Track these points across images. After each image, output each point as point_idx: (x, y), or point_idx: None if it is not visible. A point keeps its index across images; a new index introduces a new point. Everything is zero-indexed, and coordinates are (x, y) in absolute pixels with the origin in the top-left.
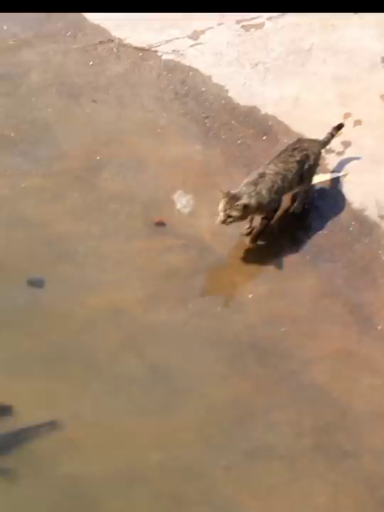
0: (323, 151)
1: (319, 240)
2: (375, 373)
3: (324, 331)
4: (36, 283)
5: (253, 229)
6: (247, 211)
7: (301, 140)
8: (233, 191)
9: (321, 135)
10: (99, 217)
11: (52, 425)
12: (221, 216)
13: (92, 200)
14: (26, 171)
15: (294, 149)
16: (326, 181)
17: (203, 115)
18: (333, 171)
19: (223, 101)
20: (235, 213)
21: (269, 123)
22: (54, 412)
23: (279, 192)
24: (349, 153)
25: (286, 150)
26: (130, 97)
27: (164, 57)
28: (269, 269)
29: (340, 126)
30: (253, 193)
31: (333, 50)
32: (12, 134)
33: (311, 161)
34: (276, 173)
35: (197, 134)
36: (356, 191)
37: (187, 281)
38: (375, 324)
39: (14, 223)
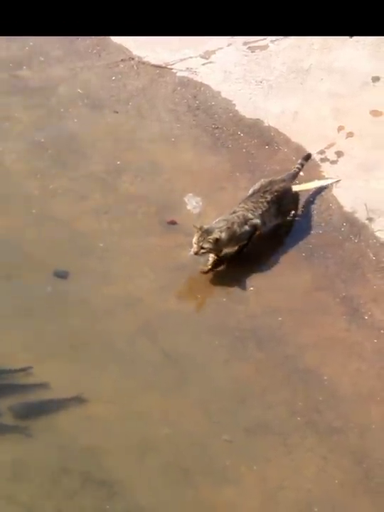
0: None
1: (313, 239)
2: (361, 359)
3: (317, 320)
4: (61, 274)
5: (213, 266)
6: (218, 244)
7: (272, 182)
8: (206, 226)
9: (317, 146)
10: (118, 216)
11: (74, 400)
12: (194, 247)
13: (112, 200)
14: (54, 174)
15: (265, 192)
16: (320, 187)
17: (213, 126)
18: (326, 178)
19: (231, 114)
20: (207, 245)
21: (271, 134)
22: (75, 390)
23: (251, 225)
24: (342, 162)
25: (259, 191)
26: (148, 109)
27: (179, 74)
28: (269, 265)
29: (308, 157)
30: (224, 228)
31: (329, 70)
32: (42, 141)
33: (284, 200)
34: (247, 210)
35: (207, 143)
36: (347, 196)
37: (196, 275)
38: (363, 314)
39: (43, 220)
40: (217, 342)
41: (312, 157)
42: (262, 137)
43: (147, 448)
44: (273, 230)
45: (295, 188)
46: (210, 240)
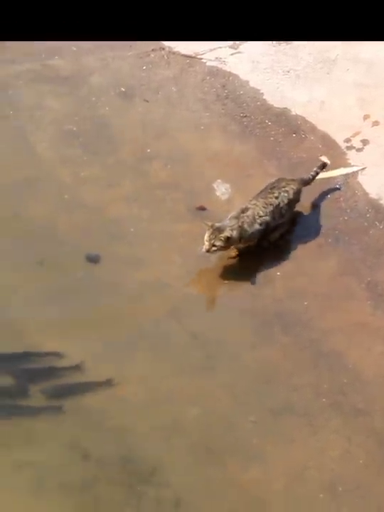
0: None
1: (339, 225)
2: None
3: (342, 305)
4: (93, 259)
5: (239, 253)
6: (229, 242)
7: (280, 179)
8: (217, 224)
9: (343, 134)
10: (148, 203)
11: (103, 382)
12: (206, 245)
13: (142, 187)
14: (86, 162)
15: (272, 187)
16: (346, 174)
17: (241, 115)
18: (352, 165)
19: (258, 103)
20: (218, 243)
21: (298, 123)
22: (105, 372)
23: (261, 223)
24: (367, 150)
25: (266, 188)
26: (177, 98)
27: (208, 64)
28: (295, 250)
29: (324, 165)
30: (235, 226)
31: (355, 61)
32: (74, 129)
33: (291, 196)
34: (257, 207)
35: (235, 131)
36: (373, 183)
37: (223, 260)
38: None
39: (75, 207)
40: (244, 325)
41: (328, 165)
42: (289, 126)
43: (175, 428)
44: (297, 216)
45: (321, 175)
46: (222, 238)
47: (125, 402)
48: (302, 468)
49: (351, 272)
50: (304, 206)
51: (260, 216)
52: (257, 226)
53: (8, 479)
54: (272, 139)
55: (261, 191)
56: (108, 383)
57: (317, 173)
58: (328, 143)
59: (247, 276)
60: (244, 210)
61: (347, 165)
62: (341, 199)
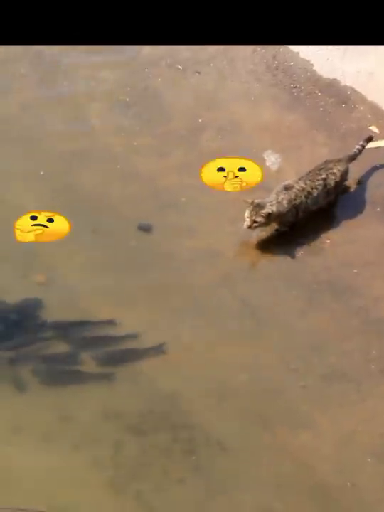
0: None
1: None
2: None
3: None
4: (145, 228)
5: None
6: (270, 218)
7: (327, 161)
8: (258, 200)
9: None
10: (199, 172)
11: (155, 349)
12: (247, 221)
13: (193, 157)
14: (138, 131)
15: (320, 169)
16: None
17: (291, 86)
18: None
19: (308, 73)
20: (259, 219)
21: (348, 93)
22: (157, 339)
23: (299, 206)
24: None
25: (314, 169)
26: (228, 69)
27: None
28: (345, 218)
29: (370, 138)
30: (274, 202)
31: None
32: (127, 99)
33: (338, 178)
34: (302, 189)
35: (285, 102)
36: None
37: (273, 229)
38: None
39: (127, 176)
40: (294, 293)
41: (376, 135)
42: (338, 96)
43: (226, 393)
44: (346, 187)
45: (370, 145)
46: (263, 214)
47: (176, 368)
48: (351, 433)
49: None
50: (352, 175)
51: (301, 200)
52: (292, 208)
53: (62, 454)
54: (321, 109)
55: (309, 172)
56: (159, 349)
57: (363, 147)
58: (377, 113)
59: (297, 244)
60: (287, 188)
61: None
62: None
